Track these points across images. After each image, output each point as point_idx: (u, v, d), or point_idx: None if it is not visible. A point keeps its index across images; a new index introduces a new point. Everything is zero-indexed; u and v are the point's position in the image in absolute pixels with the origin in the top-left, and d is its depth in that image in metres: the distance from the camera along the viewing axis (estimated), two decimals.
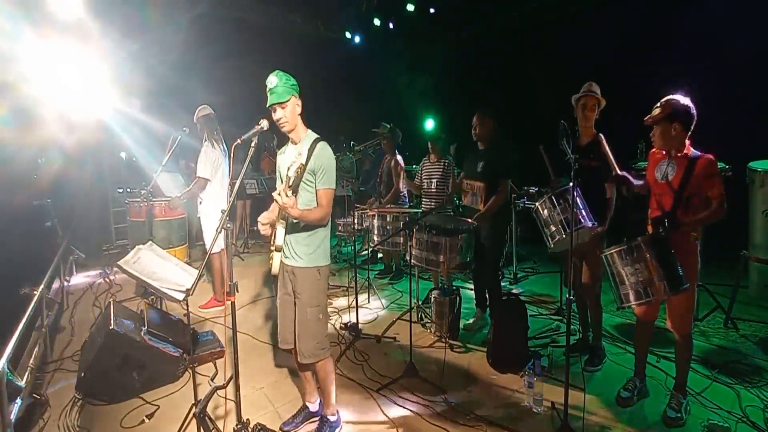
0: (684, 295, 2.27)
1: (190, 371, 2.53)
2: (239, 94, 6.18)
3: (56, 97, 4.22)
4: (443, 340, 3.39)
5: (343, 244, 6.19)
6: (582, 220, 2.51)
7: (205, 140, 3.93)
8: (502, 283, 4.45)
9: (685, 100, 2.32)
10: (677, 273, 2.17)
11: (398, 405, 2.63)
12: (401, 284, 4.92)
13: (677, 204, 2.32)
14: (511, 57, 7.24)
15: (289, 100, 2.11)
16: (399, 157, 4.86)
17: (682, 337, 2.44)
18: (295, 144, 2.24)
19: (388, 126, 4.91)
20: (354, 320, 3.59)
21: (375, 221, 3.86)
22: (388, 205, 4.72)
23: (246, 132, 2.01)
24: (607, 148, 2.82)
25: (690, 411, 2.47)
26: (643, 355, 2.68)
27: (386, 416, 2.52)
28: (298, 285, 2.24)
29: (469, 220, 3.35)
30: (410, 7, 7.45)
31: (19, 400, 2.27)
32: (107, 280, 4.91)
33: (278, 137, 6.90)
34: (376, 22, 8.17)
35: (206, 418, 2.05)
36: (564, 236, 2.51)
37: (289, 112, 2.14)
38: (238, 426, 2.03)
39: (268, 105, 2.12)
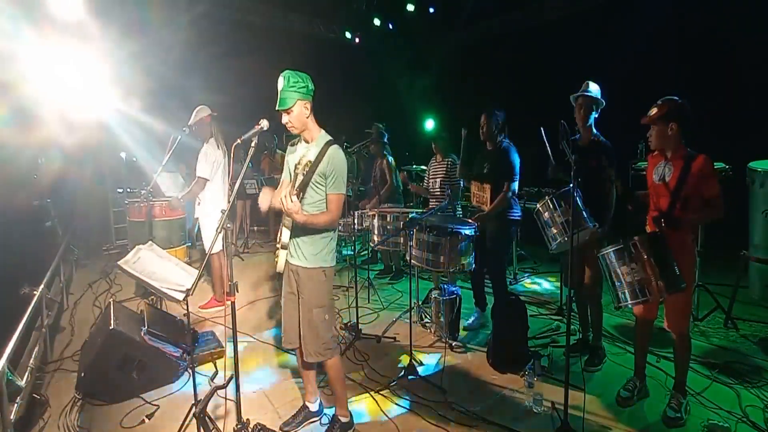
0: (681, 294, 2.27)
1: (190, 371, 2.53)
2: (239, 94, 6.18)
3: (56, 97, 4.22)
4: (443, 340, 3.39)
5: (343, 245, 6.19)
6: (583, 222, 2.52)
7: (206, 141, 3.93)
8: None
9: (681, 100, 2.32)
10: (674, 272, 2.18)
11: (398, 405, 2.63)
12: (401, 284, 4.92)
13: (674, 204, 2.33)
14: (511, 57, 7.24)
15: (294, 104, 2.07)
16: (390, 158, 4.97)
17: (680, 337, 2.45)
18: (308, 143, 2.21)
19: (381, 126, 4.92)
20: (354, 320, 3.59)
21: (375, 221, 3.86)
22: (386, 204, 4.74)
23: (246, 132, 2.01)
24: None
25: (690, 411, 2.47)
26: (643, 354, 2.68)
27: (386, 416, 2.52)
28: (302, 285, 2.22)
29: (470, 221, 3.35)
30: (410, 7, 7.45)
31: (19, 400, 2.27)
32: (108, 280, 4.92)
33: (278, 137, 6.91)
34: (376, 22, 8.17)
35: (206, 418, 2.04)
36: (566, 239, 2.51)
37: (295, 117, 2.10)
38: (238, 426, 2.03)
39: (277, 109, 2.10)
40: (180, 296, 2.34)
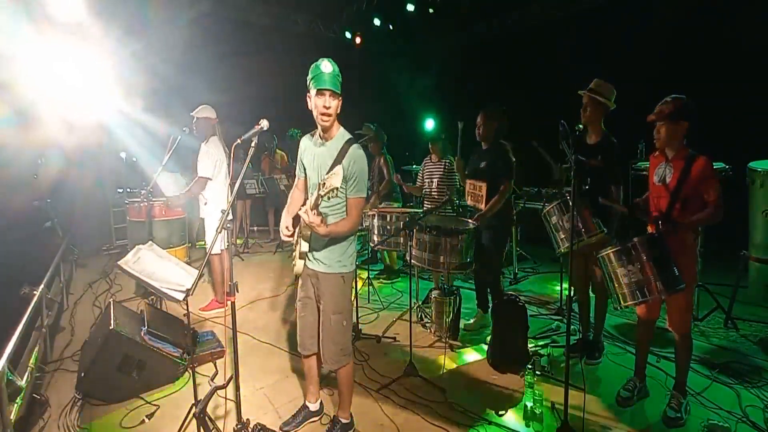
0: (682, 294, 2.27)
1: (190, 371, 2.52)
2: (240, 94, 6.18)
3: (56, 98, 4.22)
4: (443, 340, 3.39)
5: None
6: (594, 229, 2.52)
7: (207, 139, 3.93)
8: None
9: (689, 99, 2.30)
10: (673, 273, 2.18)
11: (398, 405, 2.63)
12: (401, 284, 4.92)
13: (673, 205, 2.32)
14: (511, 57, 7.24)
15: (341, 94, 2.01)
16: (387, 155, 4.98)
17: (681, 337, 2.45)
18: (324, 140, 2.12)
19: (373, 126, 4.91)
20: (354, 320, 3.59)
21: (375, 221, 3.86)
22: (384, 203, 4.74)
23: (246, 132, 2.00)
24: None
25: (690, 411, 2.47)
26: (644, 354, 2.68)
27: (386, 416, 2.52)
28: (321, 290, 2.17)
29: (470, 221, 3.35)
30: (410, 7, 7.45)
31: (19, 400, 2.27)
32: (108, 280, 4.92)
33: (278, 137, 6.90)
34: (376, 22, 8.17)
35: (206, 418, 2.04)
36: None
37: (336, 105, 2.02)
38: (238, 426, 2.03)
39: (321, 87, 1.95)
40: (180, 296, 2.34)
